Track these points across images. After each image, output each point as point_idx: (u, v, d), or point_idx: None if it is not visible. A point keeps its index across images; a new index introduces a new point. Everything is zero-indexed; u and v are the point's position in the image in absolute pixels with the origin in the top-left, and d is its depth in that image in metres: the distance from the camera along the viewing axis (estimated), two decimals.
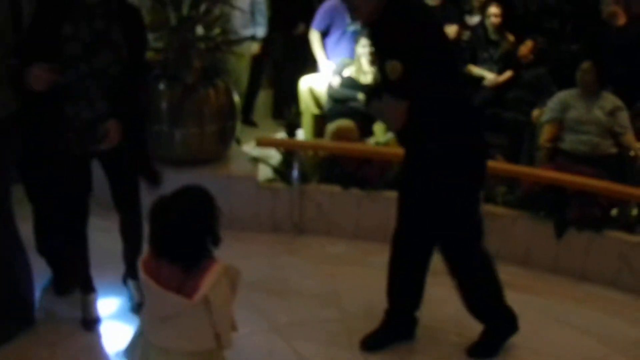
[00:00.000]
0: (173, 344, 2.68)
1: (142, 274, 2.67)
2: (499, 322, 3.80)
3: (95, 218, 3.96)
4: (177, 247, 2.58)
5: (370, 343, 3.81)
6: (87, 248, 3.86)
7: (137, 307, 3.94)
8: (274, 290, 4.32)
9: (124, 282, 4.13)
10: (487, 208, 4.80)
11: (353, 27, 6.44)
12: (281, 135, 6.16)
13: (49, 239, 4.03)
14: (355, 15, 3.49)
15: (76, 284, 3.98)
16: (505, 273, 4.52)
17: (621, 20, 6.18)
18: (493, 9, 6.71)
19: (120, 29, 3.54)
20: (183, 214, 2.58)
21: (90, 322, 3.85)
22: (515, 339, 3.83)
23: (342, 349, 3.77)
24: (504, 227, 4.82)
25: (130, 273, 4.06)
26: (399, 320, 3.87)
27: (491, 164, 4.75)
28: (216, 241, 2.65)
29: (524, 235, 4.83)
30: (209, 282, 2.56)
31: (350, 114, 6.02)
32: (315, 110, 6.45)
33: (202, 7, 5.27)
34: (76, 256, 3.88)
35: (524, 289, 4.42)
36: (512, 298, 4.24)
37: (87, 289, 3.91)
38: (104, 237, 4.20)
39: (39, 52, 3.39)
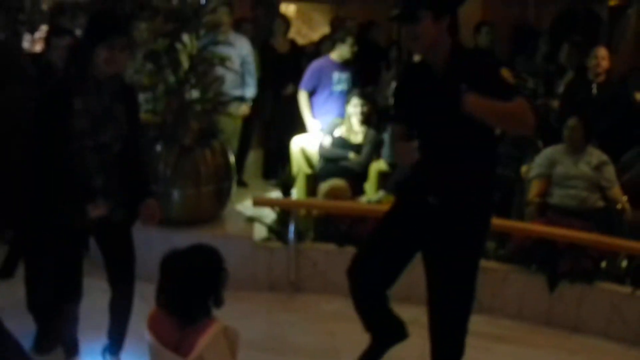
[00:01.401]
0: None
1: (147, 327, 2.72)
2: None
3: (95, 279, 4.00)
4: (177, 300, 2.65)
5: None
6: (78, 307, 3.79)
7: None
8: (273, 348, 4.36)
9: (103, 354, 4.01)
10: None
11: (340, 87, 6.62)
12: (275, 194, 6.27)
13: (40, 293, 4.02)
14: (414, 45, 3.46)
15: (60, 344, 3.95)
16: (499, 327, 4.66)
17: (602, 76, 6.36)
18: None
19: (122, 106, 3.59)
20: (192, 269, 2.67)
21: None
22: None
23: None
24: (496, 281, 4.92)
25: (110, 349, 3.97)
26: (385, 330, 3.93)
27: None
28: (218, 302, 2.71)
29: (517, 289, 4.92)
30: (205, 341, 2.61)
31: (342, 173, 6.15)
32: (308, 170, 6.57)
33: (200, 69, 5.41)
34: (67, 314, 3.80)
35: (517, 342, 4.51)
36: (506, 351, 4.35)
37: (72, 352, 3.86)
38: (103, 298, 4.22)
39: (50, 125, 3.44)
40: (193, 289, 2.67)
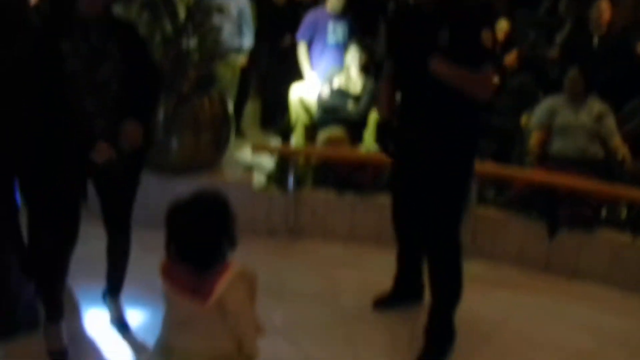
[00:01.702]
0: (193, 346, 2.69)
1: (161, 277, 2.68)
2: (442, 338, 3.80)
3: (91, 227, 3.85)
4: (192, 250, 2.59)
5: (382, 302, 4.11)
6: (67, 271, 3.64)
7: (115, 322, 3.93)
8: (273, 293, 4.33)
9: (103, 297, 4.01)
10: (479, 211, 4.92)
11: (335, 38, 6.58)
12: (274, 143, 6.24)
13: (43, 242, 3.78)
14: None
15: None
16: (498, 272, 4.67)
17: (603, 28, 6.31)
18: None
19: (115, 44, 3.50)
20: (199, 216, 2.59)
21: (61, 353, 3.62)
22: (512, 334, 3.93)
23: (344, 347, 3.82)
24: (495, 228, 4.91)
25: (110, 292, 3.97)
26: (407, 284, 4.10)
27: (484, 166, 4.88)
28: (233, 244, 2.65)
29: (516, 236, 4.90)
30: (223, 285, 2.58)
31: (341, 122, 6.11)
32: (306, 120, 6.53)
33: (197, 18, 5.35)
34: (56, 273, 3.64)
35: (516, 288, 4.52)
36: (505, 296, 4.36)
37: (58, 316, 3.65)
38: (100, 244, 4.19)
39: (44, 70, 3.36)
40: (205, 236, 2.59)
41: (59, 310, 3.64)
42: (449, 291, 3.74)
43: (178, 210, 2.62)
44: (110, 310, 3.98)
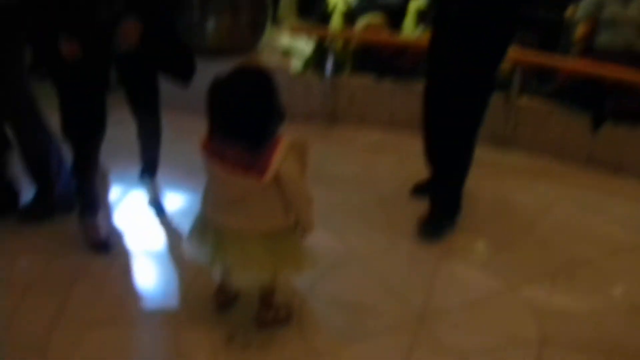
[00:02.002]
0: (246, 225, 2.70)
1: (204, 157, 2.63)
2: (449, 207, 3.84)
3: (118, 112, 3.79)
4: (244, 127, 2.50)
5: (420, 189, 4.09)
6: (98, 162, 3.56)
7: (152, 204, 3.93)
8: (310, 178, 4.30)
9: (140, 177, 3.99)
10: (522, 101, 4.79)
11: None
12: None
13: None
14: None
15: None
16: (539, 164, 4.58)
17: None
18: None
19: None
20: (247, 91, 2.50)
21: (103, 244, 3.60)
22: (552, 225, 3.88)
23: (381, 233, 3.80)
24: (538, 119, 4.79)
25: (148, 170, 3.95)
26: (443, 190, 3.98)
27: (528, 54, 4.73)
28: (282, 117, 2.59)
29: (559, 127, 4.77)
30: (278, 159, 2.53)
31: (380, 9, 5.93)
32: (344, 8, 6.35)
33: None
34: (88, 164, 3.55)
35: (557, 180, 4.43)
36: (546, 188, 4.29)
37: (96, 208, 3.62)
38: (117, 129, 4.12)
39: None
40: (256, 112, 2.51)
41: (96, 201, 3.61)
42: (464, 163, 3.73)
43: (223, 88, 2.52)
44: (147, 192, 3.98)
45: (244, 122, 2.50)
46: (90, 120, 3.40)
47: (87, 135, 3.43)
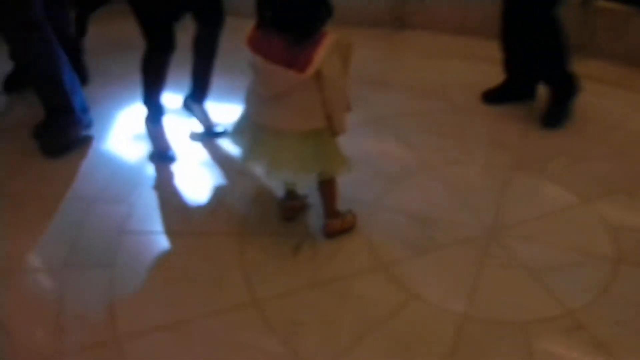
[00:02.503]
0: (284, 123, 2.68)
1: (249, 51, 2.59)
2: (564, 85, 3.82)
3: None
4: (291, 17, 2.47)
5: (491, 96, 4.01)
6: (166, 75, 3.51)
7: (215, 133, 3.79)
8: (379, 83, 4.23)
9: (187, 106, 3.85)
10: (599, 4, 4.55)
11: None
12: None
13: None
14: None
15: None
16: (617, 73, 4.38)
17: None
18: None
19: None
20: None
21: (166, 154, 3.61)
22: (627, 134, 3.74)
23: (450, 139, 3.72)
24: (616, 24, 4.55)
25: (198, 96, 3.80)
26: (520, 76, 3.98)
27: None
28: (330, 11, 2.51)
29: (638, 33, 4.57)
30: (321, 54, 2.48)
31: None
32: None
33: None
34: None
35: (636, 89, 4.25)
36: (624, 97, 4.13)
37: (160, 116, 3.63)
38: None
39: None
40: (304, 2, 2.46)
41: (161, 112, 3.60)
42: (558, 43, 3.68)
43: None
44: (199, 119, 3.85)
45: (292, 9, 2.46)
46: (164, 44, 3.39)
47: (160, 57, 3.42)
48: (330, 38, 2.50)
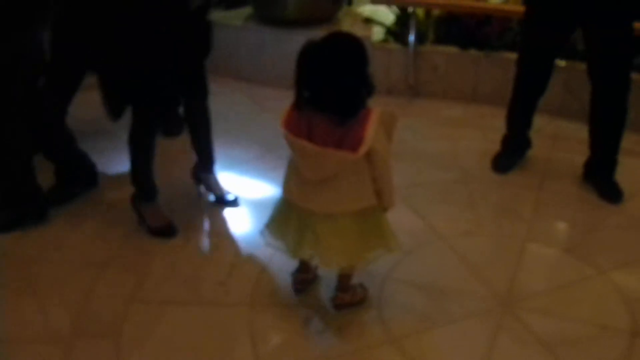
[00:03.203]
0: (335, 206, 2.63)
1: (289, 135, 2.54)
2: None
3: None
4: (337, 97, 2.43)
5: (501, 165, 4.05)
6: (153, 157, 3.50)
7: (226, 202, 3.77)
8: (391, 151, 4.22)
9: (197, 179, 3.85)
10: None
11: None
12: None
13: None
14: None
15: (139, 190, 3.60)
16: (632, 141, 4.34)
17: None
18: None
19: None
20: (342, 60, 2.42)
21: (167, 226, 3.54)
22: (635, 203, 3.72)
23: (462, 209, 3.70)
24: (633, 93, 4.55)
25: (206, 165, 3.78)
26: (516, 140, 4.07)
27: None
28: (371, 90, 2.51)
29: None
30: (372, 132, 2.44)
31: None
32: None
33: None
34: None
35: None
36: (636, 165, 4.09)
37: (154, 194, 3.57)
38: None
39: None
40: (349, 77, 2.43)
41: (153, 188, 3.55)
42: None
43: (315, 52, 2.45)
44: (211, 190, 3.82)
45: (339, 88, 2.43)
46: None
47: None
48: (376, 113, 2.48)
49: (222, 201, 3.76)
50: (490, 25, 4.89)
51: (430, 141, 4.44)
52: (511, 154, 4.10)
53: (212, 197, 3.80)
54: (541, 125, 4.05)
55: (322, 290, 3.07)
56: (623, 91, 3.67)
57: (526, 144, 4.14)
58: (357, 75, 2.46)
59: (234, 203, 3.75)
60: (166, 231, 3.50)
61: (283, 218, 2.81)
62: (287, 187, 2.76)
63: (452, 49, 4.98)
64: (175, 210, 3.65)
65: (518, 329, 2.85)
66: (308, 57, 2.46)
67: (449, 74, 4.99)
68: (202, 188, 3.84)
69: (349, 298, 2.95)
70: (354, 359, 2.73)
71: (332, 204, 2.62)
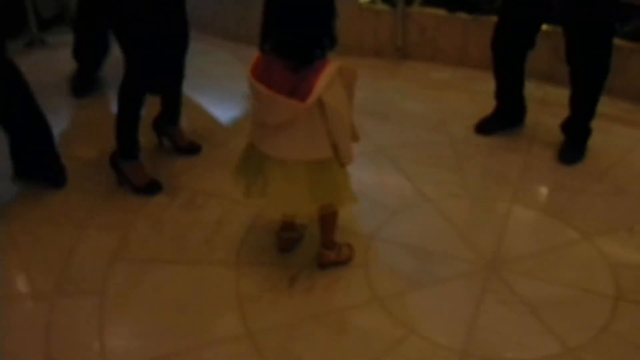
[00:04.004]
0: (289, 153, 2.63)
1: (251, 79, 2.55)
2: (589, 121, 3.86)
3: None
4: (293, 41, 2.44)
5: (483, 127, 4.02)
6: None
7: (183, 149, 3.83)
8: (378, 113, 4.21)
9: (159, 130, 3.84)
10: None
11: None
12: None
13: None
14: None
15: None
16: (619, 108, 4.36)
17: None
18: None
19: None
20: (305, 6, 2.42)
21: (153, 185, 3.54)
22: (627, 171, 3.70)
23: (449, 171, 3.69)
24: (619, 60, 4.53)
25: (172, 117, 3.80)
26: (510, 102, 4.02)
27: None
28: (333, 42, 2.49)
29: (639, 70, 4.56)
30: (322, 83, 2.44)
31: None
32: None
33: None
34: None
35: (637, 125, 4.23)
36: (625, 133, 4.09)
37: (136, 152, 3.54)
38: None
39: None
40: (309, 25, 2.43)
41: (137, 145, 3.52)
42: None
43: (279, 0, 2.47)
44: (173, 140, 3.85)
45: (294, 35, 2.44)
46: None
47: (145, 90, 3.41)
48: (332, 66, 2.47)
49: (188, 151, 3.82)
50: None
51: (418, 103, 4.41)
52: (498, 121, 4.07)
53: (174, 147, 3.85)
54: (530, 90, 4.02)
55: (309, 249, 3.06)
56: (602, 74, 3.69)
57: (517, 118, 4.10)
58: (318, 24, 2.45)
59: (198, 150, 3.83)
60: (151, 189, 3.49)
61: (245, 159, 2.82)
62: (250, 129, 2.77)
63: (441, 12, 4.93)
64: (156, 166, 3.66)
65: (503, 291, 2.86)
66: (273, 1, 2.46)
67: (437, 36, 4.94)
68: (165, 140, 3.86)
69: (334, 256, 2.96)
70: (340, 317, 2.74)
71: (285, 150, 2.62)
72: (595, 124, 3.85)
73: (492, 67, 3.94)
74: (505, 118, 4.06)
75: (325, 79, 2.44)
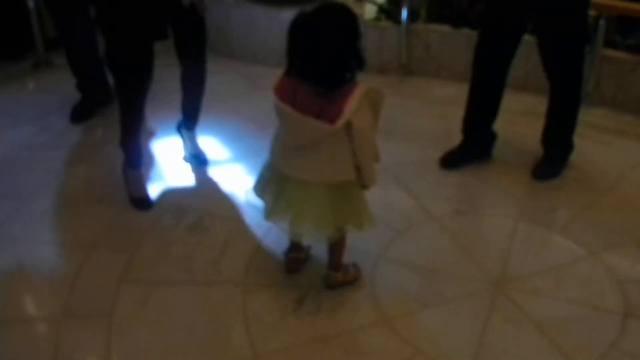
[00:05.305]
0: (312, 175, 2.63)
1: (276, 100, 2.54)
2: (568, 139, 3.81)
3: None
4: (322, 68, 2.44)
5: (449, 161, 3.91)
6: (143, 114, 3.56)
7: (190, 158, 3.91)
8: (383, 130, 4.10)
9: (178, 130, 3.95)
10: (606, 52, 4.55)
11: None
12: None
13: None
14: None
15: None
16: (621, 121, 4.36)
17: None
18: None
19: None
20: (331, 31, 2.42)
21: (142, 200, 3.57)
22: (633, 186, 3.70)
23: (454, 188, 3.70)
24: (621, 73, 4.56)
25: (187, 124, 3.88)
26: (477, 135, 3.93)
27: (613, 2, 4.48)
28: (361, 63, 2.51)
29: None
30: (352, 105, 2.44)
31: None
32: None
33: None
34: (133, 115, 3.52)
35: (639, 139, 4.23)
36: (628, 146, 4.09)
37: (138, 161, 3.61)
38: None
39: None
40: (337, 50, 2.43)
41: (140, 155, 3.59)
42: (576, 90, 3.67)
43: (305, 21, 2.45)
44: (186, 144, 3.94)
45: (325, 58, 2.43)
46: (141, 68, 3.37)
47: (137, 83, 3.41)
48: (361, 88, 2.48)
49: (196, 159, 3.89)
50: (481, 4, 4.84)
51: (423, 120, 4.42)
52: (465, 155, 3.96)
53: (186, 155, 3.93)
54: (534, 104, 4.03)
55: (315, 270, 3.06)
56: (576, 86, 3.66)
57: (484, 153, 4.01)
58: (345, 47, 2.45)
59: (205, 162, 3.88)
60: (139, 204, 3.52)
61: (265, 179, 2.82)
62: (272, 149, 2.77)
63: (445, 28, 4.95)
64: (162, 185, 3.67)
65: (511, 310, 2.86)
66: (298, 25, 2.45)
67: (441, 52, 4.96)
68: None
69: (342, 277, 2.96)
70: (347, 339, 2.73)
71: (308, 172, 2.62)
72: (599, 137, 3.87)
73: (470, 84, 3.89)
74: (473, 152, 3.96)
75: (355, 101, 2.45)
